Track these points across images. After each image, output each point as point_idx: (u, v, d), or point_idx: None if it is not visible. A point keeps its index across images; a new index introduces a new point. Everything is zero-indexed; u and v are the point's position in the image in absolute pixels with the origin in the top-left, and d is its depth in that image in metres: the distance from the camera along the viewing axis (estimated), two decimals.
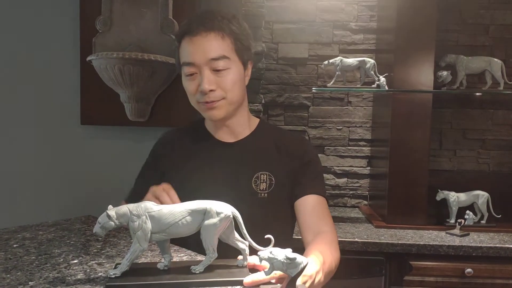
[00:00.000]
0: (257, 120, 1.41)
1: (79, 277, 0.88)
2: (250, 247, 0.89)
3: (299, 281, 0.79)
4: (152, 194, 1.12)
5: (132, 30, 2.18)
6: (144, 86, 2.11)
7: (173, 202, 1.06)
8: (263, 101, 2.37)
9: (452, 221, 2.08)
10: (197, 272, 0.83)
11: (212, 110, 1.25)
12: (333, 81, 2.17)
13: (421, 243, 1.87)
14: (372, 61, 2.15)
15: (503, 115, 2.48)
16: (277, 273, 0.82)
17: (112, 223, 0.81)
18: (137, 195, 1.27)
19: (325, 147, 2.58)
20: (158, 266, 0.86)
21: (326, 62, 2.19)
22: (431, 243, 1.87)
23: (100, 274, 0.89)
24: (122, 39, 2.18)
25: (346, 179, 2.60)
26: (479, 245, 1.86)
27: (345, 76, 2.24)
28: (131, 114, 2.18)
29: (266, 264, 0.80)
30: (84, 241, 1.18)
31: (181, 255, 1.04)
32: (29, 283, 0.84)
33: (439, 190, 2.14)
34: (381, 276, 1.93)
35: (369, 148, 2.57)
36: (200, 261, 0.85)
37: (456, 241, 1.89)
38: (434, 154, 2.47)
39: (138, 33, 2.18)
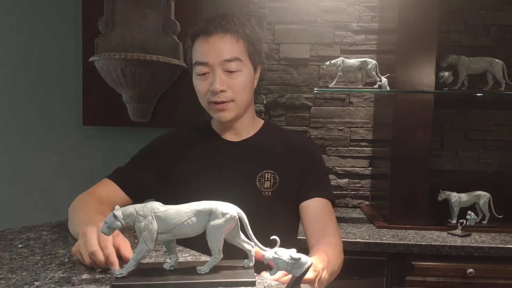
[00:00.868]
0: (261, 121, 1.43)
1: (84, 277, 0.88)
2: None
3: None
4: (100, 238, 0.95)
5: (134, 31, 2.18)
6: (146, 87, 2.11)
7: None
8: (264, 102, 2.37)
9: (454, 221, 2.09)
10: (203, 272, 0.83)
11: (221, 112, 1.27)
12: (334, 81, 2.18)
13: (423, 243, 1.87)
14: (374, 61, 2.15)
15: (505, 115, 2.48)
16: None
17: (119, 223, 0.81)
18: (121, 178, 1.32)
19: (327, 148, 2.59)
20: (165, 266, 0.86)
21: (327, 62, 2.19)
22: (432, 244, 1.87)
23: (105, 274, 0.90)
24: (124, 40, 2.18)
25: (347, 179, 2.60)
26: (481, 245, 1.86)
27: (347, 76, 2.24)
28: (133, 114, 2.18)
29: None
30: None
31: (185, 255, 1.04)
32: (35, 283, 0.84)
33: (440, 190, 2.15)
34: (383, 277, 1.93)
35: (371, 148, 2.57)
36: (205, 262, 0.86)
37: (458, 242, 1.89)
38: (435, 154, 2.47)
39: (140, 34, 2.18)
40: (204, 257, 1.02)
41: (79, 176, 2.34)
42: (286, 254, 0.78)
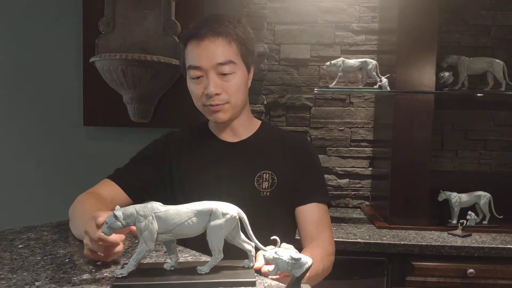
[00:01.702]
0: (259, 122, 1.44)
1: (85, 277, 0.88)
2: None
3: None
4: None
5: (135, 31, 2.18)
6: (146, 87, 2.11)
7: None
8: (265, 102, 2.37)
9: (454, 221, 2.09)
10: (203, 273, 0.84)
11: (217, 113, 1.28)
12: (335, 82, 2.18)
13: (423, 243, 1.87)
14: (374, 62, 2.15)
15: (505, 115, 2.48)
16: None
17: (119, 223, 0.81)
18: (121, 178, 1.32)
19: (327, 148, 2.59)
20: (165, 266, 0.86)
21: (328, 63, 2.19)
22: (433, 244, 1.87)
23: (106, 274, 0.90)
24: (125, 41, 2.18)
25: (348, 179, 2.60)
26: (481, 245, 1.86)
27: (347, 77, 2.24)
28: (134, 115, 2.18)
29: (271, 267, 0.81)
30: None
31: (185, 256, 1.04)
32: (35, 283, 0.84)
33: (441, 190, 2.15)
34: (383, 277, 1.93)
35: (371, 148, 2.57)
36: (205, 262, 0.86)
37: (458, 242, 1.89)
38: (436, 154, 2.47)
39: (141, 34, 2.18)
40: (204, 257, 1.02)
41: (79, 177, 2.34)
42: (286, 254, 0.78)
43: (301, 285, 0.80)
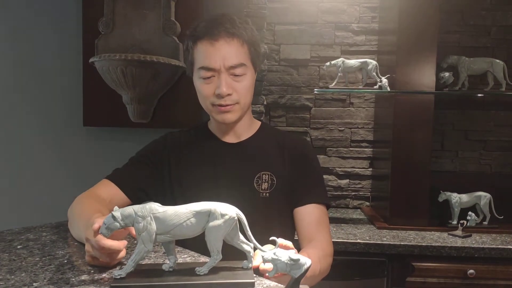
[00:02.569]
0: (258, 123, 1.44)
1: (83, 278, 0.88)
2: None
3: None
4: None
5: (134, 32, 2.19)
6: (146, 88, 2.11)
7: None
8: (265, 103, 2.37)
9: (454, 222, 2.08)
10: (202, 274, 0.83)
11: (226, 114, 1.27)
12: (335, 82, 2.17)
13: (423, 244, 1.87)
14: (374, 62, 2.15)
15: (505, 116, 2.48)
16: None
17: (117, 224, 0.81)
18: (120, 179, 1.32)
19: (327, 148, 2.59)
20: (163, 267, 0.86)
21: (328, 63, 2.18)
22: (433, 244, 1.87)
23: (104, 275, 0.90)
24: (125, 41, 2.18)
25: (348, 180, 2.60)
26: (482, 246, 1.86)
27: (347, 77, 2.24)
28: (134, 115, 2.19)
29: (269, 265, 0.81)
30: None
31: (184, 256, 1.04)
32: (34, 284, 0.84)
33: (441, 191, 2.14)
34: (383, 277, 1.93)
35: (371, 149, 2.57)
36: (204, 263, 0.86)
37: (458, 242, 1.89)
38: (436, 155, 2.47)
39: (141, 35, 2.18)
40: (203, 258, 1.02)
41: (79, 177, 2.34)
42: (285, 255, 0.78)
43: (300, 286, 0.80)
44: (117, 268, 0.93)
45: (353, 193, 2.60)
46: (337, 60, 2.17)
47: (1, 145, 2.44)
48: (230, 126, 1.35)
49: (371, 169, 2.58)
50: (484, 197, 2.11)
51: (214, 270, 0.85)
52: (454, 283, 1.87)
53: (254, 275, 0.86)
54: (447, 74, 2.15)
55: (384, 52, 2.43)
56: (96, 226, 0.88)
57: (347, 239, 1.91)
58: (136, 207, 0.82)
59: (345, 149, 2.58)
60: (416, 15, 2.11)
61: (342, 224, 2.18)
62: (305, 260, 0.78)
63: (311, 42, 2.56)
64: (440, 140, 2.50)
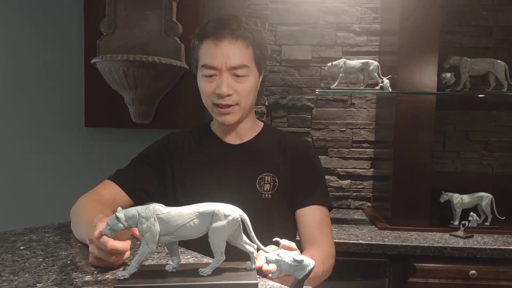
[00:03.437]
0: (261, 124, 1.44)
1: (86, 279, 0.88)
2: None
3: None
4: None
5: (136, 32, 2.19)
6: (148, 88, 2.11)
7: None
8: (266, 103, 2.37)
9: (456, 223, 2.08)
10: (205, 275, 0.83)
11: (226, 115, 1.28)
12: (336, 83, 2.18)
13: (425, 245, 1.87)
14: (376, 63, 2.15)
15: (507, 116, 2.48)
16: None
17: (121, 225, 0.81)
18: (122, 180, 1.32)
19: (329, 149, 2.59)
20: (167, 268, 0.86)
21: (329, 64, 2.19)
22: (435, 245, 1.87)
23: (107, 276, 0.90)
24: (126, 42, 2.18)
25: (349, 181, 2.60)
26: (483, 247, 1.86)
27: (349, 78, 2.24)
28: (135, 116, 2.19)
29: (273, 266, 0.81)
30: None
31: (187, 257, 1.04)
32: (37, 285, 0.84)
33: (442, 192, 2.14)
34: (385, 278, 1.93)
35: (373, 149, 2.57)
36: (207, 264, 0.86)
37: (460, 243, 1.89)
38: (437, 155, 2.47)
39: (142, 35, 2.19)
40: (206, 259, 1.02)
41: (81, 178, 2.34)
42: (289, 256, 0.78)
43: (304, 287, 0.80)
44: (121, 269, 0.93)
45: (355, 193, 2.60)
46: (338, 60, 2.18)
47: (3, 145, 2.44)
48: (232, 127, 1.35)
49: (372, 169, 2.58)
50: (485, 197, 2.11)
51: (217, 271, 0.84)
52: (455, 283, 1.87)
53: (258, 276, 0.86)
54: (448, 74, 2.15)
55: (385, 53, 2.43)
56: (100, 229, 0.88)
57: (348, 240, 1.91)
58: (140, 208, 0.82)
59: (347, 149, 2.58)
60: (418, 15, 2.11)
61: (344, 225, 2.18)
62: (309, 261, 0.78)
63: (313, 42, 2.56)
64: (442, 140, 2.50)
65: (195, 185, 1.31)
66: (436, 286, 1.88)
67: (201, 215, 0.83)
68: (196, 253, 1.07)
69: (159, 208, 0.83)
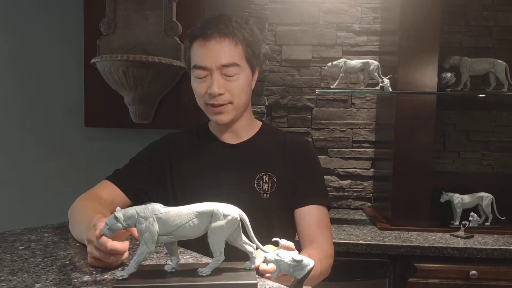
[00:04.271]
0: (259, 123, 1.43)
1: (85, 279, 0.88)
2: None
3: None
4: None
5: (136, 32, 2.18)
6: (148, 88, 2.11)
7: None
8: (266, 103, 2.37)
9: (457, 223, 2.08)
10: (204, 274, 0.83)
11: (219, 115, 1.27)
12: (336, 83, 2.17)
13: (425, 245, 1.87)
14: (376, 63, 2.15)
15: (507, 116, 2.48)
16: None
17: (120, 225, 0.81)
18: (120, 180, 1.32)
19: (329, 149, 2.58)
20: (166, 268, 0.86)
21: (329, 64, 2.19)
22: (435, 245, 1.86)
23: (106, 276, 0.89)
24: (126, 42, 2.18)
25: (349, 181, 2.59)
26: (484, 247, 1.85)
27: (349, 78, 2.23)
28: (135, 116, 2.18)
29: (272, 266, 0.80)
30: None
31: (186, 257, 1.04)
32: (36, 285, 0.84)
33: (443, 192, 2.14)
34: (385, 278, 1.93)
35: (373, 150, 2.56)
36: (207, 264, 0.85)
37: (461, 243, 1.89)
38: (438, 155, 2.47)
39: (142, 35, 2.18)
40: (205, 259, 1.02)
41: (81, 178, 2.34)
42: (288, 256, 0.78)
43: (303, 287, 0.80)
44: (119, 269, 0.93)
45: (355, 194, 2.60)
46: (338, 60, 2.18)
47: (3, 145, 2.44)
48: (228, 126, 1.34)
49: (372, 169, 2.57)
50: (486, 197, 2.11)
51: (216, 271, 0.84)
52: (456, 284, 1.87)
53: (257, 275, 0.86)
54: (449, 74, 2.15)
55: (386, 53, 2.43)
56: (98, 233, 0.88)
57: (349, 240, 1.91)
58: (139, 208, 0.82)
59: (347, 149, 2.58)
60: (418, 15, 2.11)
61: (344, 225, 2.17)
62: (308, 261, 0.78)
63: (313, 42, 2.56)
64: (442, 140, 2.49)
65: (193, 185, 1.31)
66: (437, 287, 1.88)
67: (200, 215, 0.83)
68: (195, 253, 1.06)
69: (158, 208, 0.83)
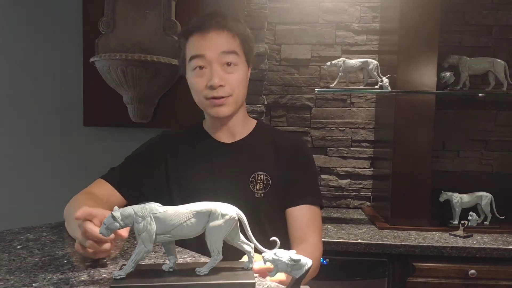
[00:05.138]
0: (254, 121, 1.43)
1: (83, 278, 0.87)
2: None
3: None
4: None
5: (135, 31, 2.18)
6: (147, 88, 2.11)
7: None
8: (265, 102, 2.37)
9: (456, 222, 2.08)
10: (202, 274, 0.83)
11: (219, 107, 1.26)
12: (335, 82, 2.17)
13: (424, 244, 1.87)
14: (375, 62, 2.14)
15: (506, 116, 2.47)
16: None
17: (117, 224, 0.81)
18: (115, 179, 1.32)
19: (328, 148, 2.58)
20: (163, 267, 0.86)
21: (329, 63, 2.18)
22: (434, 245, 1.86)
23: (104, 275, 0.89)
24: (125, 41, 2.18)
25: (349, 180, 2.59)
26: (483, 246, 1.85)
27: (348, 77, 2.23)
28: (134, 115, 2.18)
29: (270, 266, 0.80)
30: None
31: (184, 257, 1.03)
32: (33, 284, 0.84)
33: (442, 191, 2.14)
34: (384, 278, 1.93)
35: (372, 149, 2.56)
36: (204, 263, 0.85)
37: (460, 243, 1.89)
38: (437, 155, 2.46)
39: (141, 34, 2.18)
40: (203, 259, 1.02)
41: (79, 177, 2.32)
42: (286, 255, 0.78)
43: (301, 286, 0.80)
44: (117, 268, 0.92)
45: (354, 193, 2.59)
46: (338, 59, 2.17)
47: (1, 145, 2.43)
48: (224, 123, 1.34)
49: (372, 169, 2.57)
50: (485, 197, 2.11)
51: (214, 271, 0.84)
52: (455, 283, 1.87)
53: (255, 275, 0.86)
54: (448, 73, 2.15)
55: (385, 52, 2.43)
56: (85, 209, 0.89)
57: (348, 239, 1.91)
58: (136, 207, 0.82)
59: (346, 149, 2.58)
60: (417, 14, 2.11)
61: (343, 224, 2.17)
62: (306, 261, 0.78)
63: (312, 41, 2.55)
64: (441, 140, 2.49)
65: (189, 184, 1.31)
66: (436, 286, 1.88)
67: (198, 214, 0.82)
68: (193, 252, 1.06)
69: (156, 207, 0.83)
